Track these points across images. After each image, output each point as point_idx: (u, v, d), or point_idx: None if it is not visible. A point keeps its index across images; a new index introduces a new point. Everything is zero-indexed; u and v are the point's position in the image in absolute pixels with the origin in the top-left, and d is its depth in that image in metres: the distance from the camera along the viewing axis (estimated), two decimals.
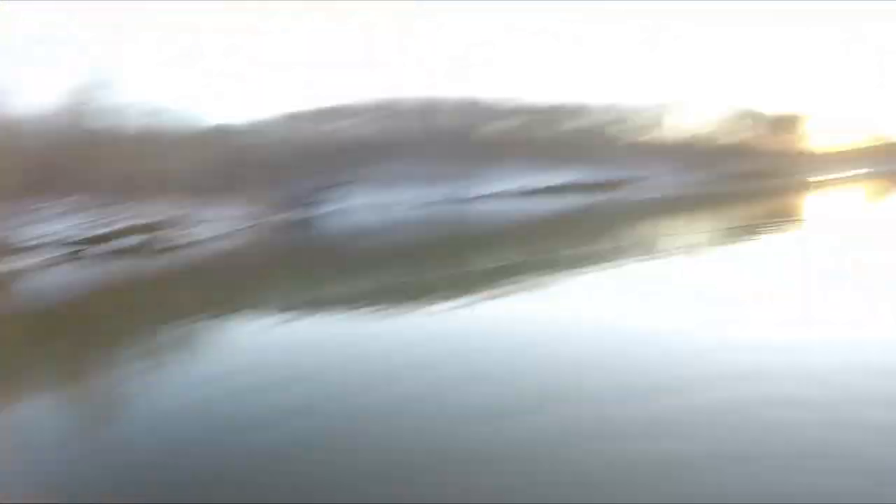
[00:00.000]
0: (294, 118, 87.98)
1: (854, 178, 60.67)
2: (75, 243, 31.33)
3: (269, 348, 6.75)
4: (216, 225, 45.02)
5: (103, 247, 32.47)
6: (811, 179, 67.59)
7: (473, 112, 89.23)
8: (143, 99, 57.37)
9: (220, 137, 75.63)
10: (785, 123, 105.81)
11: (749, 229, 15.63)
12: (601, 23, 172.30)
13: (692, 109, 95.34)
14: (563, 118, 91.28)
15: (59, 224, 32.00)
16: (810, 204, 26.64)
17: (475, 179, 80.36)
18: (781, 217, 20.09)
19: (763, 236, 13.77)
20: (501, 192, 75.71)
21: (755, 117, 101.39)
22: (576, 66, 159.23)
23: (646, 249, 13.04)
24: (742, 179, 70.78)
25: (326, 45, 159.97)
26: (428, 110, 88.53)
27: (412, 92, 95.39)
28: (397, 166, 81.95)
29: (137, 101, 50.03)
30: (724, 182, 66.47)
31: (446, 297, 8.37)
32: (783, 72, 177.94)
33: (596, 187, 69.20)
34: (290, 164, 77.74)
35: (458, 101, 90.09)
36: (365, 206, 77.84)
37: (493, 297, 8.23)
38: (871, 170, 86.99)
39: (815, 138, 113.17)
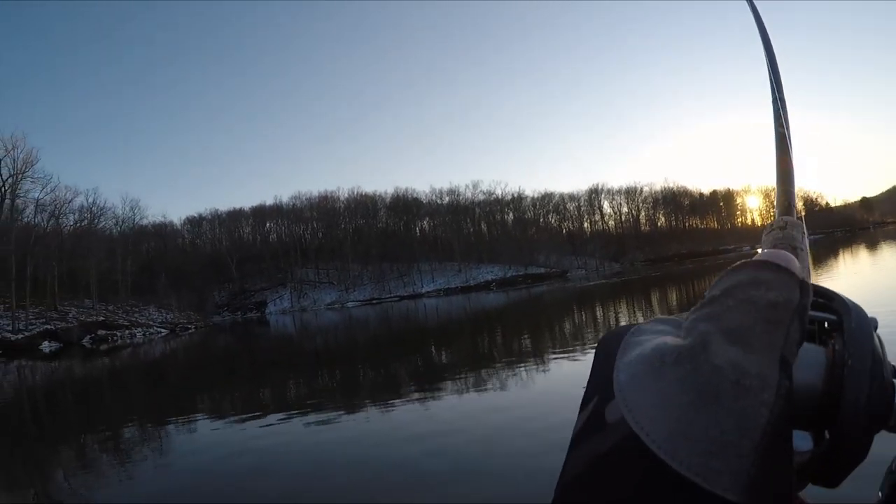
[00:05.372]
0: (219, 219, 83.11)
1: None
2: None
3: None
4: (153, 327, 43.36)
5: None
6: (742, 253, 69.75)
7: (408, 209, 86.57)
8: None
9: (153, 237, 72.49)
10: (707, 202, 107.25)
11: None
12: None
13: (615, 195, 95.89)
14: (501, 210, 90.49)
15: None
16: None
17: (417, 276, 78.35)
18: None
19: None
20: (446, 287, 74.19)
21: (677, 198, 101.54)
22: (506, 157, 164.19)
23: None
24: (674, 261, 72.35)
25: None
26: (362, 207, 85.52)
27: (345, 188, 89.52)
28: (336, 265, 79.41)
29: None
30: (652, 266, 67.93)
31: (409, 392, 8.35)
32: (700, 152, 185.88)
33: (537, 278, 70.12)
34: (225, 266, 75.36)
35: (392, 198, 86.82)
36: (306, 305, 74.10)
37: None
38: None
39: (740, 213, 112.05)
